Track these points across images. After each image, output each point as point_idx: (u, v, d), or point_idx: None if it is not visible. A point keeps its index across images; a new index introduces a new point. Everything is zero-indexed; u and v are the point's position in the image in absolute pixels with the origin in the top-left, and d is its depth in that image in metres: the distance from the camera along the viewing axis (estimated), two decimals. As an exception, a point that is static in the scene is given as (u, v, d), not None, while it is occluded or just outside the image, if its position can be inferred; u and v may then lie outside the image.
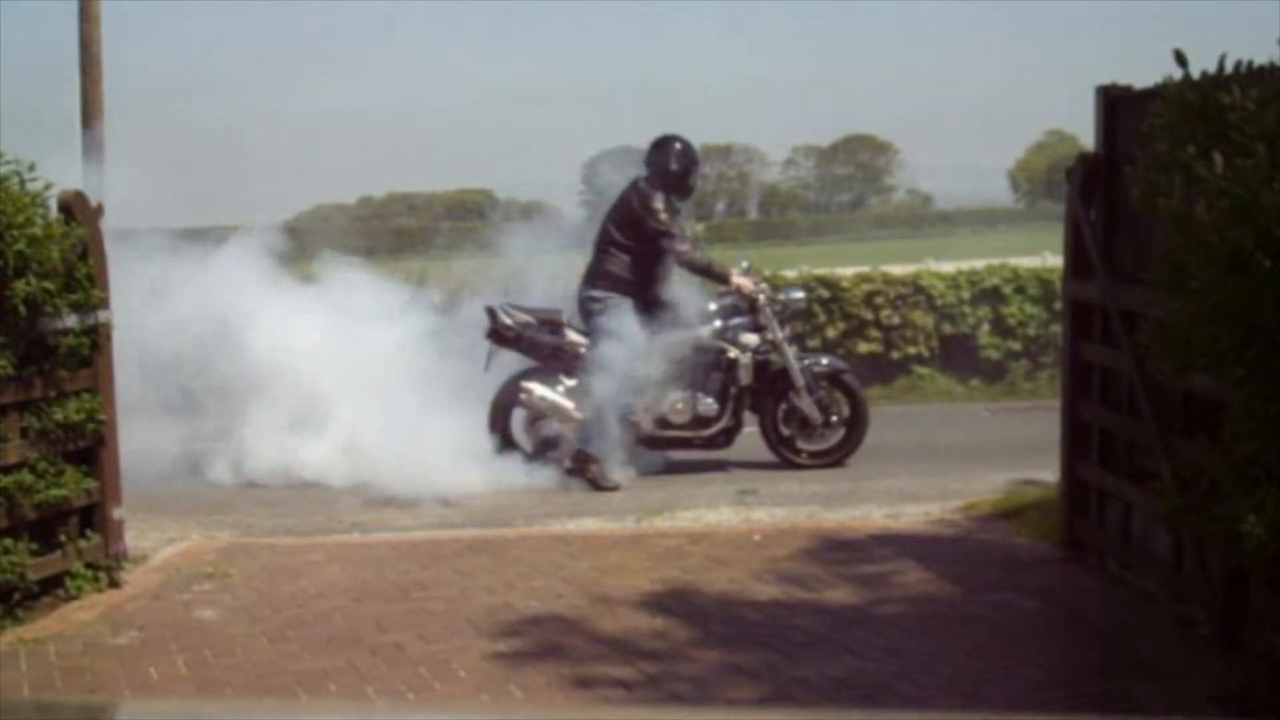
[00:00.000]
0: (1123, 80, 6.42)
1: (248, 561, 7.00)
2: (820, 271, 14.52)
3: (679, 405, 9.03)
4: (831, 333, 13.77)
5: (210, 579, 6.67)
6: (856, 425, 9.29)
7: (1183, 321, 4.32)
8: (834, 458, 9.29)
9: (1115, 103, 6.40)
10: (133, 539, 6.89)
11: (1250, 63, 4.45)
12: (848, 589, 6.30)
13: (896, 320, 13.79)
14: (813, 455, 9.29)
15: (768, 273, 14.33)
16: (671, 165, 9.00)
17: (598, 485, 8.63)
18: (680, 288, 9.27)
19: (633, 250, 8.89)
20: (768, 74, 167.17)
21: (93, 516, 6.46)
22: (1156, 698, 4.88)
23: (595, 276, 8.95)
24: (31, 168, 6.04)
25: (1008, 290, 13.84)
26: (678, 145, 9.07)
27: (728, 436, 9.22)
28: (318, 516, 8.18)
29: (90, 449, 6.42)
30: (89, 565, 6.40)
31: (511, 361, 9.22)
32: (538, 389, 8.91)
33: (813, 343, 13.77)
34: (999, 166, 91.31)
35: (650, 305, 8.91)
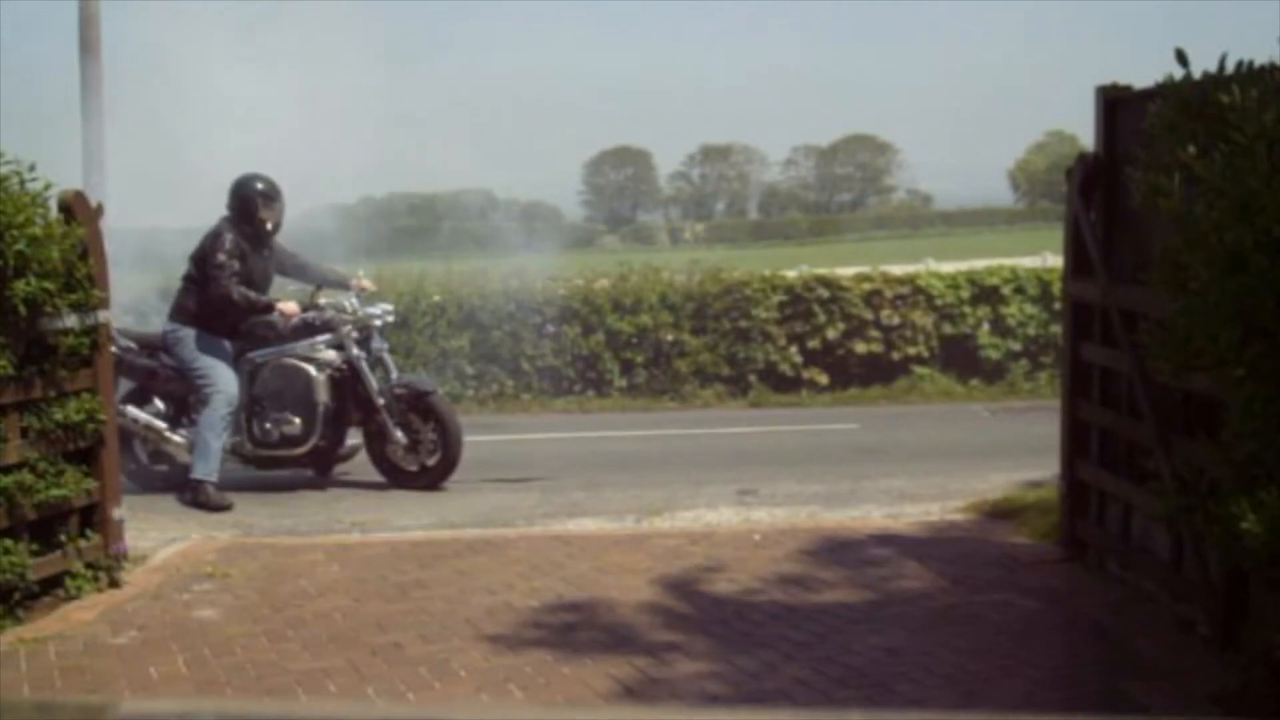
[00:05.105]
0: (1123, 80, 6.43)
1: (248, 561, 7.00)
2: (820, 271, 14.52)
3: (267, 426, 8.99)
4: (831, 333, 13.78)
5: (210, 579, 6.67)
6: (448, 447, 9.09)
7: (1183, 321, 4.32)
8: (429, 479, 9.06)
9: (1115, 103, 6.40)
10: (133, 539, 6.90)
11: (1250, 63, 4.45)
12: (847, 589, 6.31)
13: (896, 320, 13.79)
14: (409, 476, 9.10)
15: (766, 272, 14.36)
16: (244, 205, 8.89)
17: (209, 507, 8.44)
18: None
19: (205, 284, 8.81)
20: (768, 74, 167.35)
21: (93, 516, 6.47)
22: (1156, 698, 4.88)
23: (173, 310, 8.96)
24: (32, 168, 6.04)
25: (1008, 290, 13.84)
26: (258, 185, 8.93)
27: (326, 455, 9.14)
28: (318, 516, 8.20)
29: (90, 449, 6.42)
30: (89, 565, 6.40)
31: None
32: (131, 411, 8.91)
33: (812, 343, 13.80)
34: (999, 166, 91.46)
35: (233, 331, 8.90)
